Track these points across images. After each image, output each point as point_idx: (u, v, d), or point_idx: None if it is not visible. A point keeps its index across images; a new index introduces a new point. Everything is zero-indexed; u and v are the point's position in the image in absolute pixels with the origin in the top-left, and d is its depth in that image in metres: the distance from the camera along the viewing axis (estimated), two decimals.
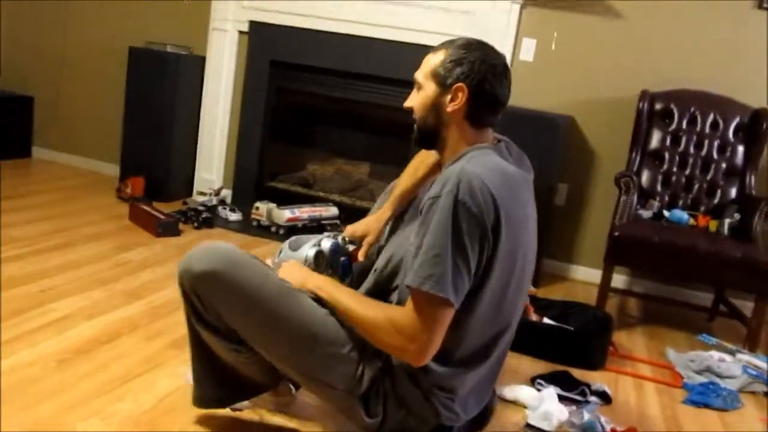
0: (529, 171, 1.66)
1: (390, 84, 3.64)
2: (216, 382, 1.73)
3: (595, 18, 3.52)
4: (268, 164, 4.16)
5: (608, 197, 3.48)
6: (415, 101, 1.64)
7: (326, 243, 1.81)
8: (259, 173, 4.11)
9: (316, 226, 3.64)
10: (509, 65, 1.63)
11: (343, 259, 1.84)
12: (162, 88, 3.97)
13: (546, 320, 2.72)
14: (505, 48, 3.54)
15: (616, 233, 2.91)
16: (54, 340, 2.16)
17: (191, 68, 4.05)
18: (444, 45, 1.59)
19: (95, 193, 4.03)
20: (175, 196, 4.07)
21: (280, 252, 1.85)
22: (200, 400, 1.76)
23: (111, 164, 4.40)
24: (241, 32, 3.99)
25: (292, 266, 1.70)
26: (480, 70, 1.53)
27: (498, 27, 3.53)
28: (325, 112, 4.17)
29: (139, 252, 3.13)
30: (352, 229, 1.95)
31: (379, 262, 1.78)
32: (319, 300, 1.59)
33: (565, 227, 3.71)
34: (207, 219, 3.63)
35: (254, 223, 3.72)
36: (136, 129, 4.07)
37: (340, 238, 1.88)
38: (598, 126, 3.61)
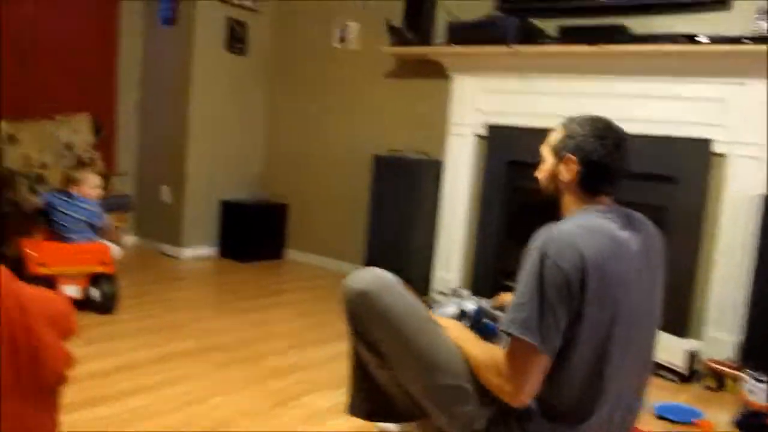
0: (644, 235, 1.69)
1: (629, 178, 3.50)
2: (366, 396, 1.93)
3: None
4: (504, 263, 4.14)
5: None
6: (540, 172, 1.82)
7: (469, 305, 1.96)
8: (495, 272, 4.10)
9: None
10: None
11: (487, 322, 1.95)
12: (403, 191, 4.18)
13: None
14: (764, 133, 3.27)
15: None
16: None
17: (430, 172, 4.23)
18: (564, 122, 1.79)
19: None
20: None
21: None
22: (350, 408, 1.97)
23: (355, 264, 4.66)
24: (478, 135, 4.12)
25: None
26: (589, 142, 1.69)
27: (752, 112, 3.28)
28: (559, 208, 4.10)
29: None
30: (504, 297, 2.09)
31: None
32: None
33: None
34: None
35: None
36: (379, 231, 4.30)
37: (484, 303, 2.00)
38: None
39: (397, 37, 4.28)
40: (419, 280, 4.28)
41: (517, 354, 1.52)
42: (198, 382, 2.62)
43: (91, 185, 3.58)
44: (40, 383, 1.39)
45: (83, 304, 3.30)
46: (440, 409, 1.69)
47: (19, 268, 3.08)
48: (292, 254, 5.21)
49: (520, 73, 3.90)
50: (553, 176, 1.77)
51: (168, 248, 4.97)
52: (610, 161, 1.70)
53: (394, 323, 1.73)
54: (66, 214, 3.46)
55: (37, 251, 3.28)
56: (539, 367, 1.51)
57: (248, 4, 5.06)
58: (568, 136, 1.74)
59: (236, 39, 5.03)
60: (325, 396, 2.57)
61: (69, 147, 4.20)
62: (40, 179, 3.96)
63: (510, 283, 4.21)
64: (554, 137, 1.79)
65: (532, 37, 3.77)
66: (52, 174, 4.01)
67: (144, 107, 5.16)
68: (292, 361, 2.95)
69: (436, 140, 4.30)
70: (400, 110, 4.56)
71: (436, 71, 4.25)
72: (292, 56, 5.20)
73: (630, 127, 3.64)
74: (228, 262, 4.93)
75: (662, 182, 3.44)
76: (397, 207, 4.21)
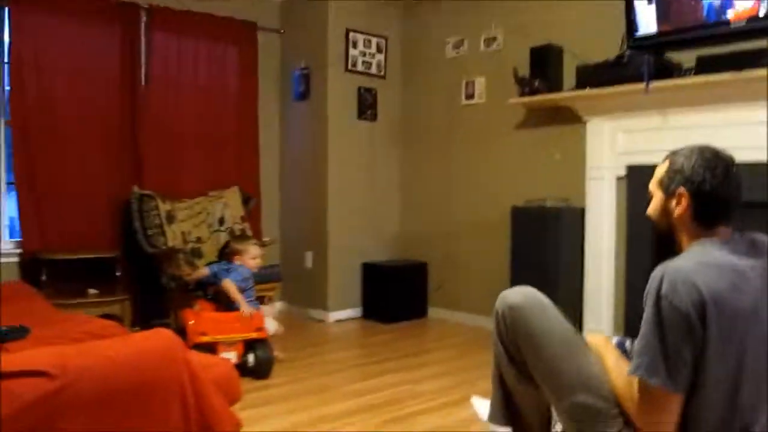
0: None
1: None
2: (502, 404, 2.05)
3: None
4: None
5: None
6: (650, 209, 1.80)
7: (614, 338, 2.01)
8: None
9: None
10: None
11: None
12: (544, 241, 4.09)
13: None
14: None
15: None
16: None
17: (571, 219, 4.12)
18: (669, 155, 1.74)
19: (486, 348, 4.17)
20: None
21: None
22: (490, 417, 2.08)
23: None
24: (618, 177, 3.98)
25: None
26: (698, 173, 1.65)
27: None
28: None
29: None
30: None
31: None
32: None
33: None
34: None
35: None
36: (522, 283, 4.17)
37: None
38: None
39: (525, 86, 4.27)
40: None
41: (649, 396, 1.55)
42: None
43: (252, 255, 3.80)
44: None
45: (240, 369, 3.44)
46: (581, 429, 1.72)
47: (181, 337, 3.28)
48: (434, 312, 5.20)
49: (657, 110, 3.75)
50: (665, 212, 1.74)
51: (314, 312, 5.12)
52: (722, 190, 1.66)
53: (539, 339, 1.81)
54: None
55: (197, 321, 3.48)
56: (672, 405, 1.53)
57: (375, 71, 5.25)
58: (676, 170, 1.70)
59: (366, 106, 5.21)
60: None
61: (221, 221, 4.48)
62: (196, 252, 4.23)
63: None
64: (660, 172, 1.76)
65: (666, 71, 3.63)
66: (207, 247, 4.28)
67: (283, 177, 5.43)
68: (443, 421, 2.91)
69: (574, 186, 4.20)
70: (533, 159, 4.51)
71: (568, 116, 4.18)
72: (420, 117, 5.31)
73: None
74: (372, 323, 5.00)
75: None
76: (539, 257, 4.12)
